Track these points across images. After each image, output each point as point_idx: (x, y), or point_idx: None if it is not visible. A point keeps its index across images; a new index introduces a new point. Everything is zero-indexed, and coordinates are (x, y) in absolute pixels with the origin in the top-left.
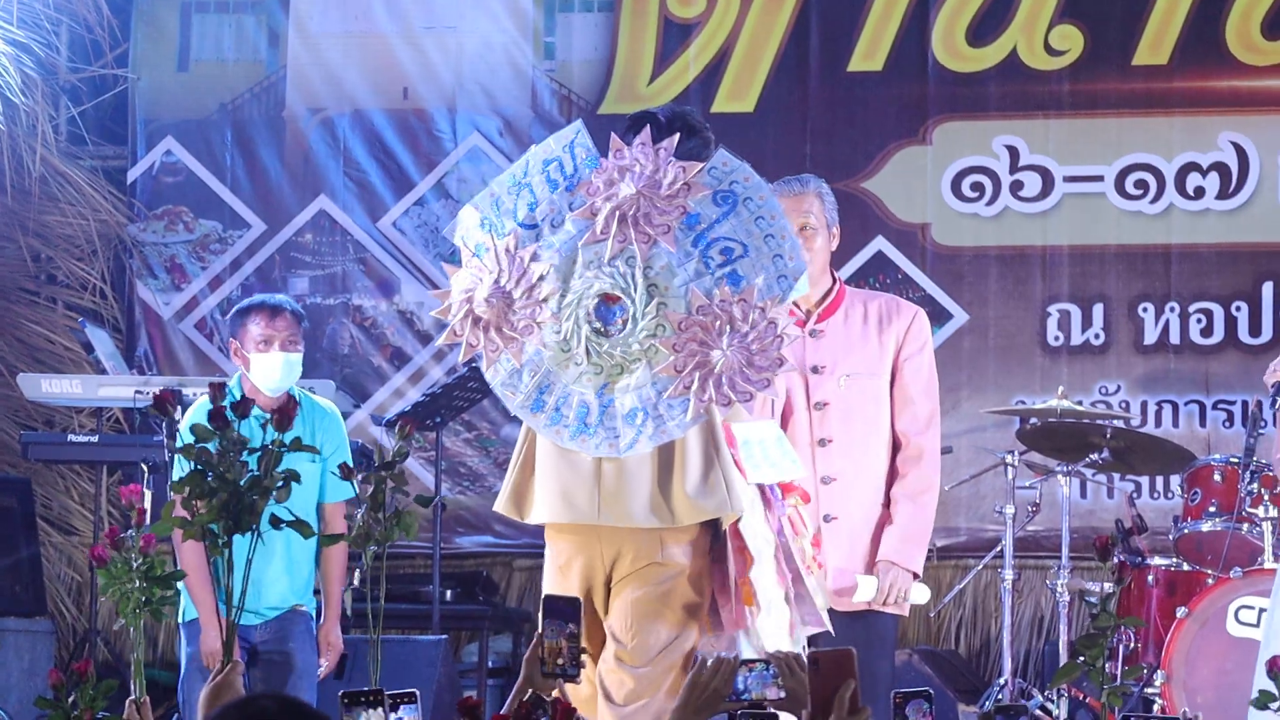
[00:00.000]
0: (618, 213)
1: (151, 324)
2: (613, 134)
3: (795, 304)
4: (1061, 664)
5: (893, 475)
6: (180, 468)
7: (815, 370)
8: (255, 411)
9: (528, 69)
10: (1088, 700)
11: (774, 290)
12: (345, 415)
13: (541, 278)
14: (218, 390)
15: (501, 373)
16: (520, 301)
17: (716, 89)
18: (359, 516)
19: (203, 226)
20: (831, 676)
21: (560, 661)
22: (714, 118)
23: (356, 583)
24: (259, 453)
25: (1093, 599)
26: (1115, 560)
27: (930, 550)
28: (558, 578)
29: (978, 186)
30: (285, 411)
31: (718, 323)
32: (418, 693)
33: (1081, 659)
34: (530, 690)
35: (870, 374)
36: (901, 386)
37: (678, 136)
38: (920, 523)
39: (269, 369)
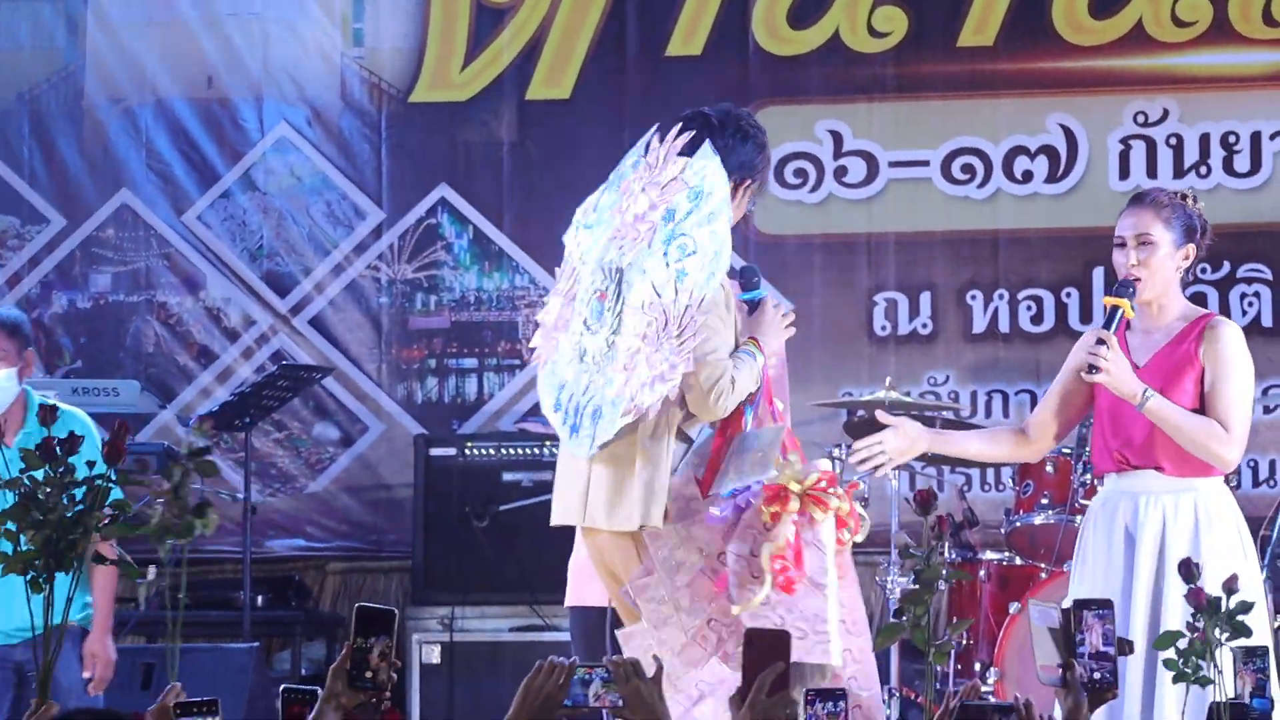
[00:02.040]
0: (628, 213)
1: None
2: (654, 136)
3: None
4: (894, 666)
5: None
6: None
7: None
8: None
9: (336, 56)
10: (919, 700)
11: (703, 288)
12: (151, 416)
13: (575, 281)
14: None
15: (542, 376)
16: (563, 300)
17: (531, 75)
18: (158, 509)
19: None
20: (765, 656)
21: (369, 674)
22: (529, 105)
23: (152, 574)
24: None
25: (916, 550)
26: (935, 515)
27: None
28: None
29: (801, 173)
30: (115, 445)
31: (659, 319)
32: (219, 701)
33: (905, 617)
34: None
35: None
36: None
37: (680, 128)
38: None
39: None
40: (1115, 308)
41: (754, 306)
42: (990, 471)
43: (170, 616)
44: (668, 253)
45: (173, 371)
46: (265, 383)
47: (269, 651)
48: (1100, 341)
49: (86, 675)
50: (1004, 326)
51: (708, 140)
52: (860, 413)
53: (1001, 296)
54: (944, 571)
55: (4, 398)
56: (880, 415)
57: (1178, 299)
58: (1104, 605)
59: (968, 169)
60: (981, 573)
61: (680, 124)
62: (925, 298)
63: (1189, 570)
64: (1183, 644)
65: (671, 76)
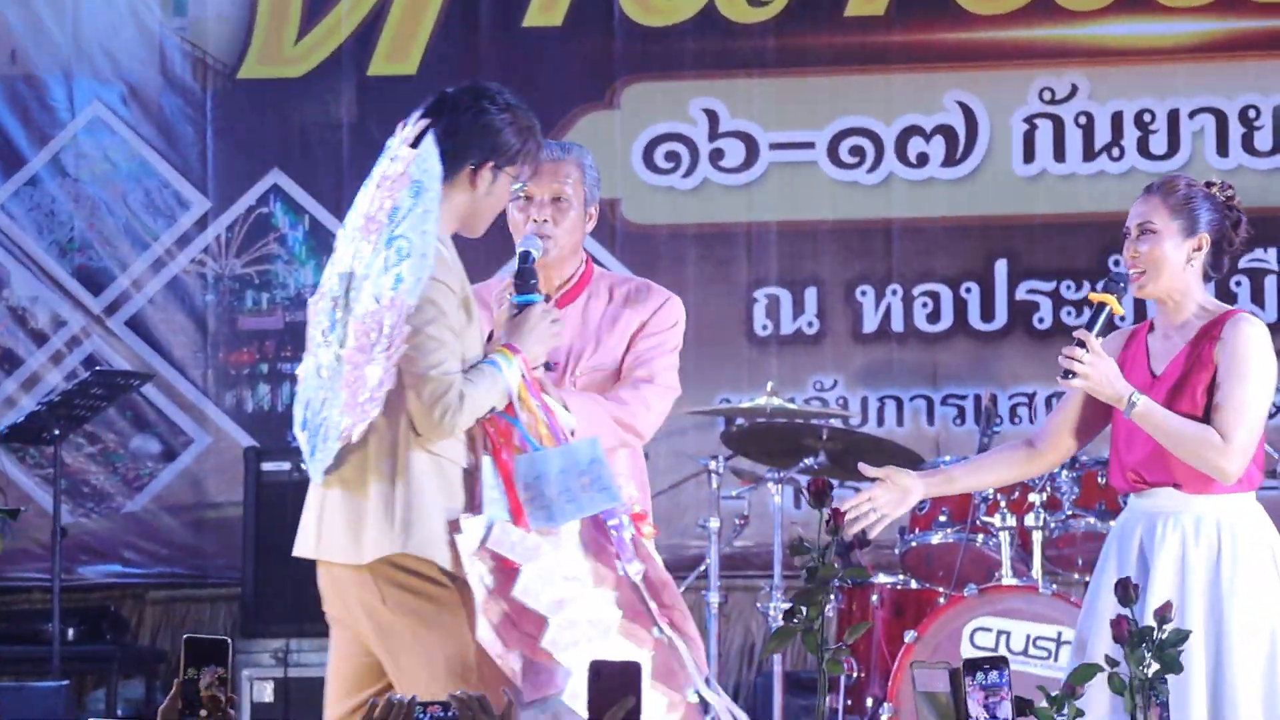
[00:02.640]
0: (363, 210)
1: None
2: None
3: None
4: (777, 701)
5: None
6: None
7: (548, 367)
8: None
9: (155, 28)
10: None
11: (413, 294)
12: None
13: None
14: None
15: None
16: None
17: (373, 49)
18: None
19: None
20: (613, 690)
21: (204, 713)
22: (371, 82)
23: None
24: None
25: (808, 545)
26: (830, 509)
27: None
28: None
29: (673, 156)
30: None
31: (374, 331)
32: None
33: (797, 619)
34: None
35: (610, 369)
36: (631, 362)
37: (422, 121)
38: (592, 408)
39: None
40: (1101, 304)
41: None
42: None
43: None
44: (388, 256)
45: None
46: (77, 390)
47: (81, 690)
48: (1080, 344)
49: None
50: (897, 325)
51: (432, 130)
52: (740, 421)
53: (895, 292)
54: (837, 567)
55: None
56: (865, 468)
57: (1196, 295)
58: (996, 663)
59: (857, 151)
60: (874, 597)
61: (421, 110)
62: (811, 294)
63: (1125, 592)
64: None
65: (529, 49)
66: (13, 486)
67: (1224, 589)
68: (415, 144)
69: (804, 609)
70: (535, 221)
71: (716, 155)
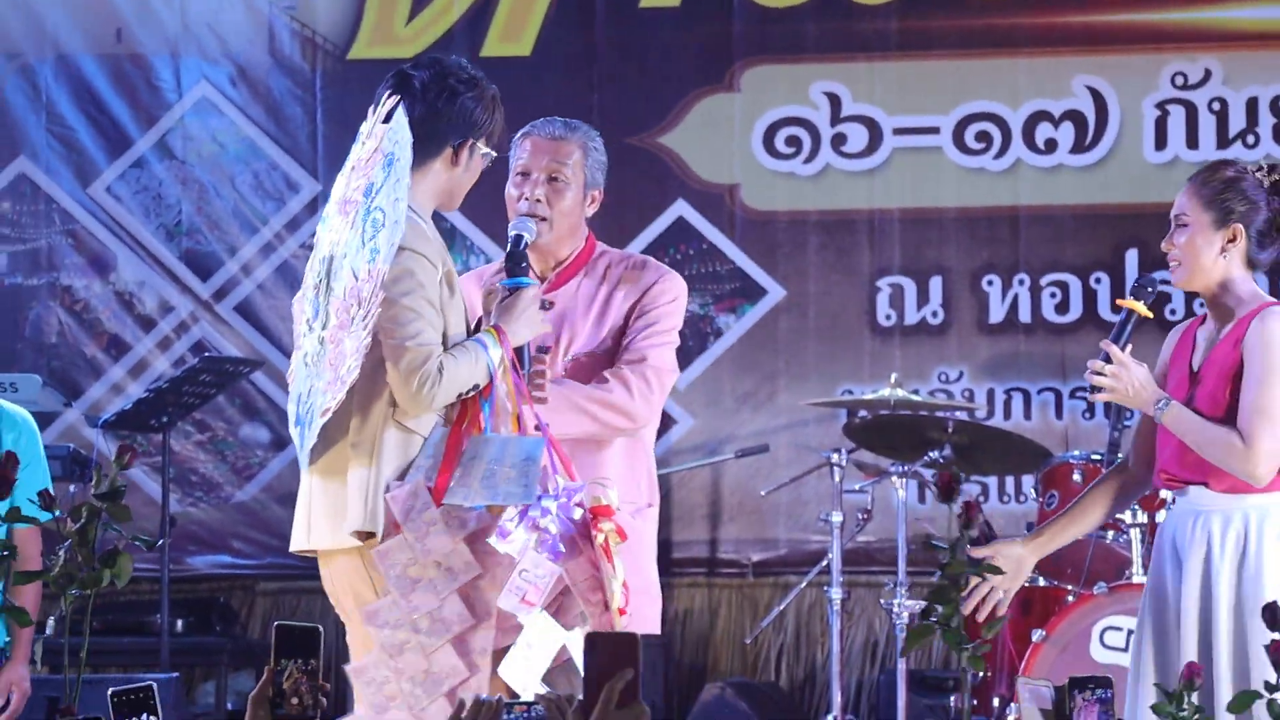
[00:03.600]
0: (341, 192)
1: None
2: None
3: (531, 270)
4: (901, 699)
5: (639, 476)
6: None
7: (542, 350)
8: None
9: (263, 7)
10: None
11: (387, 262)
12: (55, 416)
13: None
14: None
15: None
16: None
17: (486, 29)
18: (60, 553)
19: None
20: (609, 663)
21: (296, 701)
22: (484, 63)
23: (51, 629)
24: None
25: (940, 543)
26: (961, 500)
27: (745, 566)
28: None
29: (794, 141)
30: (3, 476)
31: (353, 305)
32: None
33: (934, 618)
34: None
35: (603, 352)
36: (624, 343)
37: (392, 98)
38: (563, 395)
39: None
40: (1129, 311)
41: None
42: (1009, 480)
43: (73, 644)
44: (364, 229)
45: (79, 365)
46: (185, 377)
47: (190, 684)
48: (1106, 357)
49: None
50: (1024, 316)
51: (402, 104)
52: (862, 413)
53: (1022, 282)
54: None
55: None
56: (973, 551)
57: (1238, 287)
58: (1102, 684)
59: (983, 137)
60: None
61: (387, 87)
62: (935, 283)
63: (1274, 616)
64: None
65: (646, 31)
66: (119, 475)
67: (1248, 589)
68: (387, 120)
69: (939, 606)
70: (528, 200)
71: (839, 140)
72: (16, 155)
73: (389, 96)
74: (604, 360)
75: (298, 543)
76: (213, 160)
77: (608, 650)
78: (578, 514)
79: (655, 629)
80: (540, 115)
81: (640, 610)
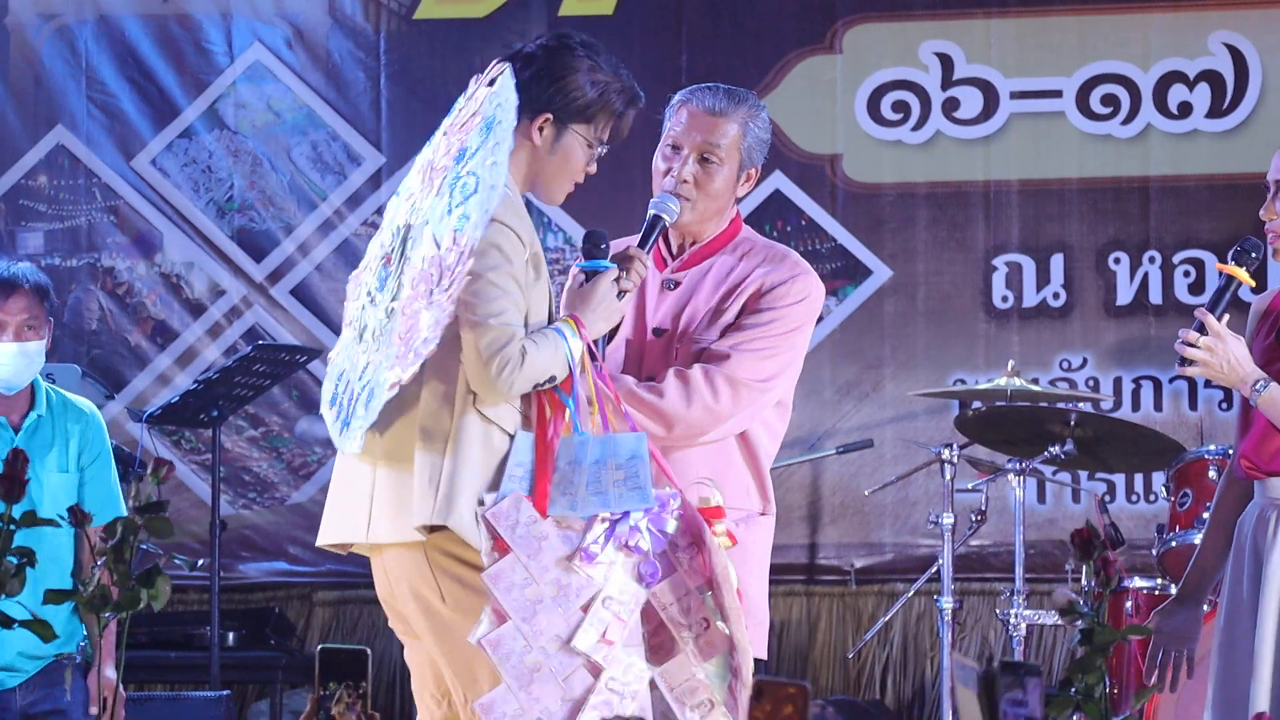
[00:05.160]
0: (428, 161)
1: None
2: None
3: (666, 242)
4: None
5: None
6: None
7: (656, 334)
8: None
9: None
10: None
11: (480, 229)
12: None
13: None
14: None
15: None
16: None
17: None
18: (93, 570)
19: None
20: (778, 713)
21: None
22: (563, 23)
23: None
24: None
25: (1082, 606)
26: (1099, 557)
27: (847, 573)
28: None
29: (901, 106)
30: (13, 476)
31: (436, 274)
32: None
33: (1075, 689)
34: None
35: (716, 325)
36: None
37: (504, 68)
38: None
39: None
40: (1229, 277)
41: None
42: (1138, 479)
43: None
44: (452, 195)
45: (122, 353)
46: (237, 367)
47: (243, 701)
48: (1201, 327)
49: (94, 711)
50: (1155, 297)
51: (509, 67)
52: (976, 405)
53: (1153, 260)
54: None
55: (26, 374)
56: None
57: None
58: (1030, 670)
59: (1110, 100)
60: (1128, 604)
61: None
62: (1057, 261)
63: None
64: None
65: None
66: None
67: None
68: (491, 85)
69: (1082, 677)
70: (674, 178)
71: (950, 105)
72: (54, 125)
73: (498, 63)
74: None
75: (347, 534)
76: (267, 130)
77: (777, 699)
78: (672, 525)
79: (762, 653)
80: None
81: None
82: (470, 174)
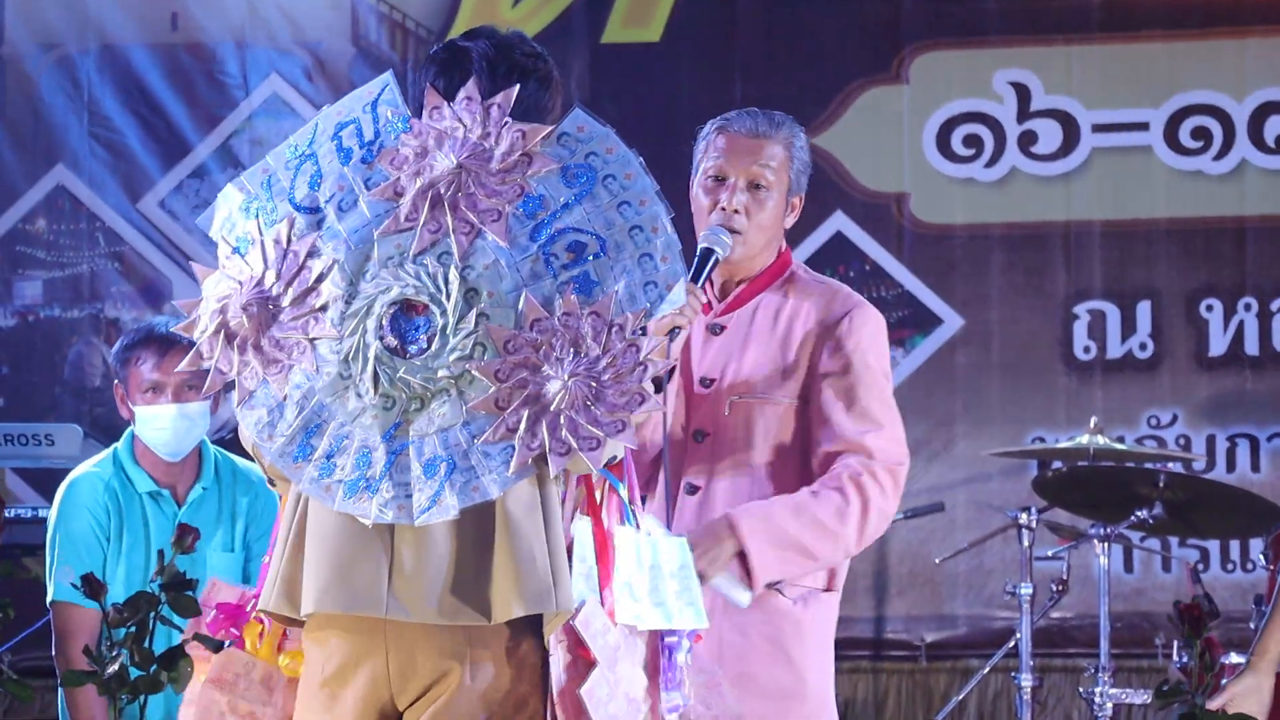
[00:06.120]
0: (430, 192)
1: None
2: (428, 86)
3: (710, 284)
4: None
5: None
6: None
7: (704, 383)
8: (146, 485)
9: None
10: None
11: (638, 301)
12: None
13: (320, 278)
14: None
15: (259, 409)
16: (289, 310)
17: (608, 12)
18: (102, 644)
19: None
20: None
21: None
22: (606, 51)
23: None
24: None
25: (1184, 686)
26: (1207, 635)
27: (917, 647)
28: (321, 698)
29: (973, 141)
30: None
31: (558, 343)
32: None
33: None
34: None
35: (770, 397)
36: (822, 407)
37: (516, 87)
38: (802, 526)
39: (157, 425)
40: None
41: None
42: (1234, 545)
43: None
44: (552, 252)
45: None
46: None
47: None
48: None
49: None
50: (1251, 348)
51: (551, 96)
52: (1056, 465)
53: (1249, 307)
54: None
55: (189, 439)
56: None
57: None
58: None
59: (1201, 134)
60: (1224, 682)
61: (433, 65)
62: (1143, 309)
63: None
64: None
65: (797, 11)
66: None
67: None
68: (531, 115)
69: None
70: (724, 210)
71: (1027, 139)
72: (54, 164)
73: (506, 78)
74: (770, 408)
75: (352, 605)
76: None
77: None
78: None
79: None
80: (675, 112)
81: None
82: (575, 231)
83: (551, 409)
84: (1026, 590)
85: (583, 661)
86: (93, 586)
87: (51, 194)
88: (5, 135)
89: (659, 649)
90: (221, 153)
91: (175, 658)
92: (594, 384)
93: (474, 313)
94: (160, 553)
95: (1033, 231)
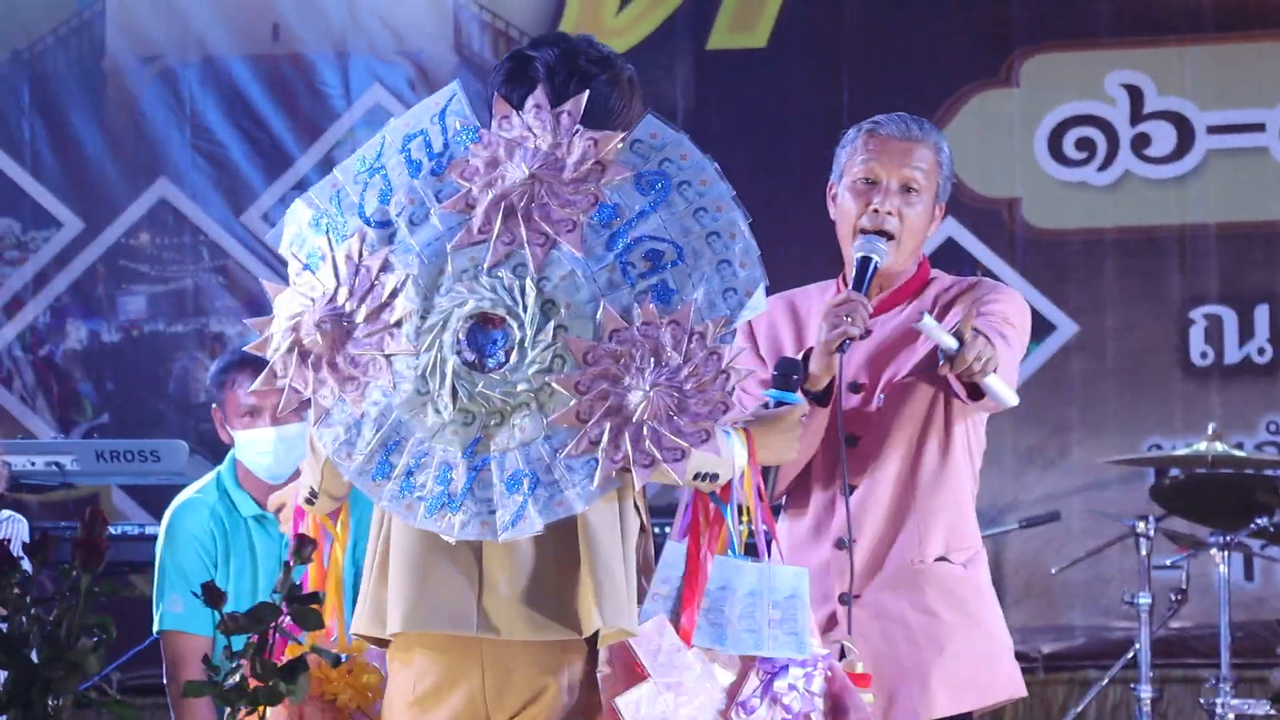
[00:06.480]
0: (502, 203)
1: None
2: (496, 95)
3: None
4: None
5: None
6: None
7: (854, 388)
8: (250, 509)
9: None
10: None
11: (718, 309)
12: None
13: (394, 293)
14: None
15: (337, 427)
16: (364, 327)
17: (713, 17)
18: (220, 656)
19: None
20: None
21: None
22: (711, 57)
23: None
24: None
25: None
26: None
27: (1034, 659)
28: (410, 717)
29: (1086, 144)
30: (89, 542)
31: (638, 353)
32: None
33: None
34: None
35: (920, 394)
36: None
37: (585, 94)
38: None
39: (258, 450)
40: None
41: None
42: None
43: None
44: (629, 261)
45: None
46: None
47: None
48: None
49: None
50: None
51: (622, 98)
52: (1174, 473)
53: None
54: None
55: (289, 462)
56: None
57: None
58: None
59: None
60: None
61: (500, 74)
62: (1261, 313)
63: None
64: None
65: (906, 14)
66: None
67: None
68: (599, 122)
69: None
70: (876, 212)
71: (1141, 142)
72: (156, 177)
73: (573, 84)
74: (919, 405)
75: (438, 623)
76: None
77: None
78: (818, 685)
79: (1021, 689)
80: (778, 116)
81: (1006, 667)
82: (651, 239)
83: (634, 420)
84: (1145, 600)
85: (634, 676)
86: (212, 594)
87: (155, 208)
88: (108, 149)
89: (749, 676)
90: (324, 165)
91: (296, 670)
92: (676, 394)
93: (551, 325)
94: (286, 564)
95: (1147, 235)
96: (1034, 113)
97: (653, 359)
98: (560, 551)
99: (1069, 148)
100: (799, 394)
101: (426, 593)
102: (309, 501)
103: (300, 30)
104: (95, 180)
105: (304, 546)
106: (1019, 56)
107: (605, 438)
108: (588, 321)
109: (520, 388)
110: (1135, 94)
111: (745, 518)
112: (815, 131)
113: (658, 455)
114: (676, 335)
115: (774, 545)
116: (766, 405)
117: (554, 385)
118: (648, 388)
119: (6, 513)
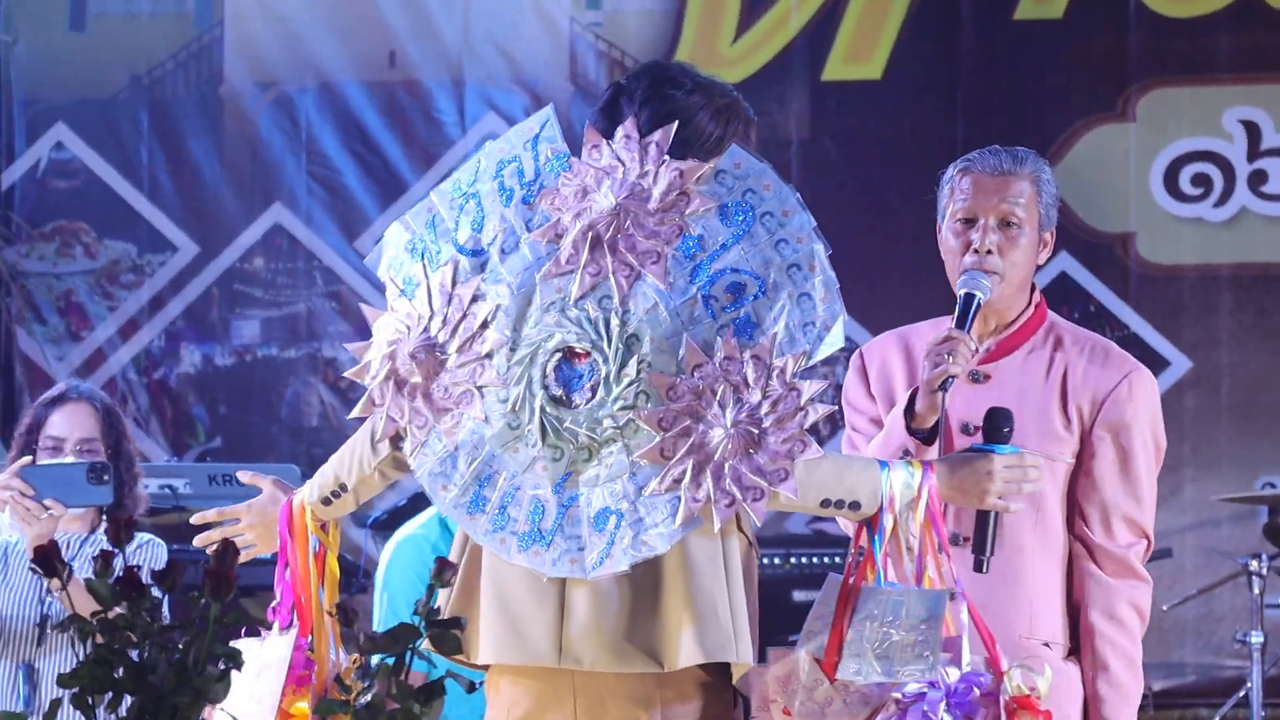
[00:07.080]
0: (590, 234)
1: (38, 388)
2: (588, 124)
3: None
4: None
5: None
6: None
7: (965, 431)
8: None
9: (563, 23)
10: None
11: (798, 343)
12: None
13: (485, 324)
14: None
15: (431, 458)
16: (457, 358)
17: (829, 48)
18: (353, 677)
19: (110, 250)
20: None
21: None
22: (826, 88)
23: None
24: None
25: None
26: None
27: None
28: None
29: (1202, 180)
30: (220, 572)
31: (720, 389)
32: None
33: None
34: None
35: (1047, 452)
36: (1093, 471)
37: (675, 124)
38: (1127, 679)
39: None
40: None
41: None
42: None
43: None
44: (711, 295)
45: None
46: None
47: None
48: None
49: None
50: None
51: (718, 131)
52: None
53: None
54: None
55: None
56: None
57: None
58: None
59: None
60: None
61: (605, 104)
62: None
63: None
64: None
65: (1022, 48)
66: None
67: None
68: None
69: None
70: (976, 252)
71: (1258, 179)
72: (272, 202)
73: (650, 114)
74: (1045, 464)
75: (521, 655)
76: None
77: None
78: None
79: None
80: (893, 148)
81: None
82: (734, 272)
83: (716, 458)
84: (1257, 638)
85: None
86: (347, 614)
87: (269, 233)
88: (224, 174)
89: (887, 704)
90: None
91: (433, 692)
92: (755, 430)
93: (635, 360)
94: (430, 587)
95: (1263, 272)
96: (1150, 148)
97: (734, 395)
98: (648, 584)
99: (1185, 183)
100: (1008, 442)
101: (515, 627)
102: (327, 502)
103: (417, 57)
104: (211, 205)
105: (444, 569)
106: (1136, 91)
107: (687, 476)
108: (670, 356)
109: (606, 424)
110: (1253, 130)
111: (911, 554)
112: (930, 163)
113: (737, 494)
114: (757, 370)
115: (943, 575)
116: (907, 452)
117: (639, 421)
118: (729, 425)
119: (146, 536)
